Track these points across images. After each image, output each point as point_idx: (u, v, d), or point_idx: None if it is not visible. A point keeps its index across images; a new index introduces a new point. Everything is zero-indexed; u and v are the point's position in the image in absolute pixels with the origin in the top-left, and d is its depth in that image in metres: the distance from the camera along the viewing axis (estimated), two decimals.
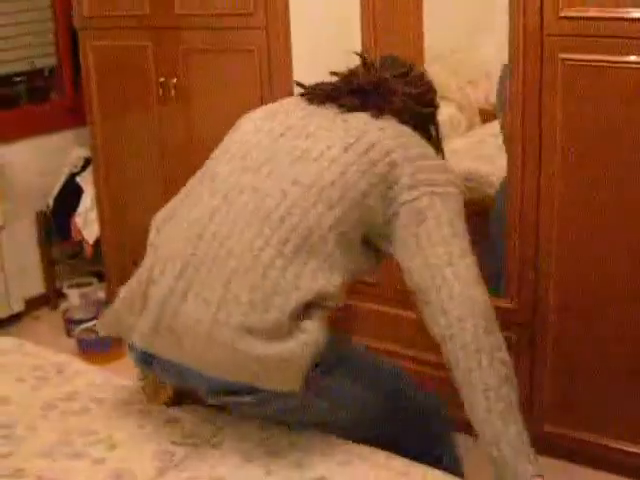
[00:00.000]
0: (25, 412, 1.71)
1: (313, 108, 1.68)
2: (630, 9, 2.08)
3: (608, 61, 2.14)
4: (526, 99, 2.30)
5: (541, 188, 2.34)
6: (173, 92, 3.06)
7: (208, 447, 1.60)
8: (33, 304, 3.79)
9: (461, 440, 2.08)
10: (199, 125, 3.01)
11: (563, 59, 2.21)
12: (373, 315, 2.77)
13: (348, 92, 1.68)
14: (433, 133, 1.80)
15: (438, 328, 1.48)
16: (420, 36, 2.50)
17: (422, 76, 1.80)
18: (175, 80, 3.05)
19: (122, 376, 1.90)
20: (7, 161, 3.57)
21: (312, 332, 1.47)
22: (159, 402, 1.74)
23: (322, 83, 1.75)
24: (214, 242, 1.53)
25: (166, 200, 1.80)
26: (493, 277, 2.67)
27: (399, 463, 1.57)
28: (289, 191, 1.53)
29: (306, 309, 1.48)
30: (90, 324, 3.31)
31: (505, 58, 2.36)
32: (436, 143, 1.78)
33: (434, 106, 1.81)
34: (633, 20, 2.08)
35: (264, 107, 1.78)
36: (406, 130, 1.64)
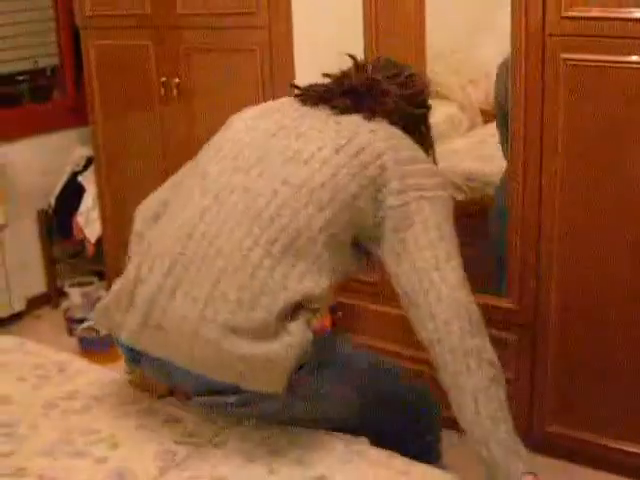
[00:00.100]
0: (26, 411, 1.71)
1: (306, 109, 1.68)
2: (632, 9, 2.08)
3: (610, 61, 2.14)
4: (528, 99, 2.30)
5: (542, 188, 2.34)
6: (175, 92, 3.06)
7: (210, 447, 1.60)
8: (34, 303, 3.80)
9: (450, 437, 2.09)
10: (201, 124, 3.01)
11: (565, 59, 2.21)
12: (373, 315, 2.77)
13: (341, 93, 1.68)
14: (424, 134, 1.80)
15: (425, 332, 1.49)
16: (422, 35, 2.50)
17: (414, 77, 1.79)
18: (177, 79, 3.05)
19: (123, 375, 1.90)
20: (9, 160, 3.57)
21: (297, 334, 1.48)
22: (156, 395, 1.75)
23: (315, 84, 1.75)
24: (203, 241, 1.53)
25: None
26: (493, 276, 2.68)
27: (399, 462, 1.58)
28: (280, 191, 1.54)
29: (293, 311, 1.49)
30: (91, 323, 3.31)
31: (507, 55, 2.36)
32: (427, 145, 1.78)
33: (426, 107, 1.80)
34: (635, 20, 2.08)
35: (257, 106, 1.78)
36: (397, 132, 1.64)
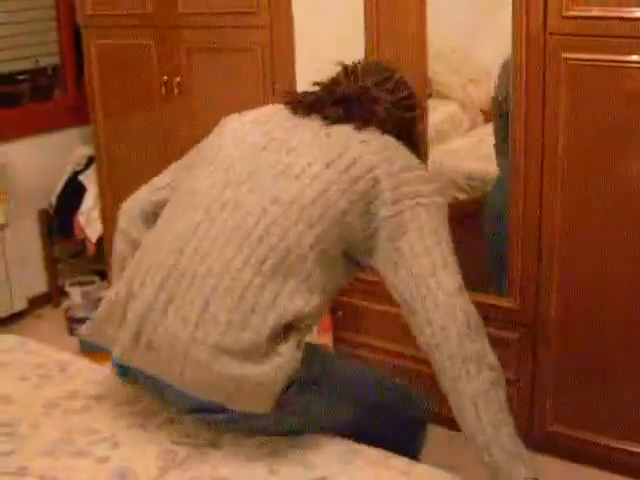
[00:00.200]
0: (28, 410, 1.71)
1: (297, 120, 1.67)
2: (634, 9, 2.08)
3: (611, 60, 2.14)
4: (529, 99, 2.30)
5: (543, 188, 2.34)
6: (176, 91, 3.06)
7: (210, 447, 1.60)
8: (35, 302, 3.80)
9: (446, 435, 2.09)
10: (202, 124, 3.00)
11: (566, 58, 2.21)
12: (373, 314, 2.77)
13: (332, 103, 1.67)
14: (415, 138, 1.79)
15: (424, 338, 1.49)
16: (422, 35, 2.50)
17: (403, 81, 1.78)
18: (178, 79, 3.05)
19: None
20: (10, 159, 3.57)
21: (287, 355, 1.48)
22: None
23: (306, 93, 1.74)
24: (195, 257, 1.53)
25: None
26: (493, 275, 2.68)
27: (400, 462, 1.58)
28: (269, 209, 1.53)
29: (284, 331, 1.49)
30: None
31: (507, 56, 2.36)
32: (418, 149, 1.77)
33: (415, 110, 1.80)
34: (636, 20, 2.08)
35: (249, 114, 1.77)
36: (390, 141, 1.63)
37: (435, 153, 2.77)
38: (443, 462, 1.88)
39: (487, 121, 3.07)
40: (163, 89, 3.09)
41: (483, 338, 1.49)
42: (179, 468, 1.54)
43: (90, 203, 3.63)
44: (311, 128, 1.64)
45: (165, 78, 3.08)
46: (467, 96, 3.11)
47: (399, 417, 1.77)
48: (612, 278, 2.30)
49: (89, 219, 3.63)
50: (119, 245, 1.81)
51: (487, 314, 2.59)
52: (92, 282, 3.71)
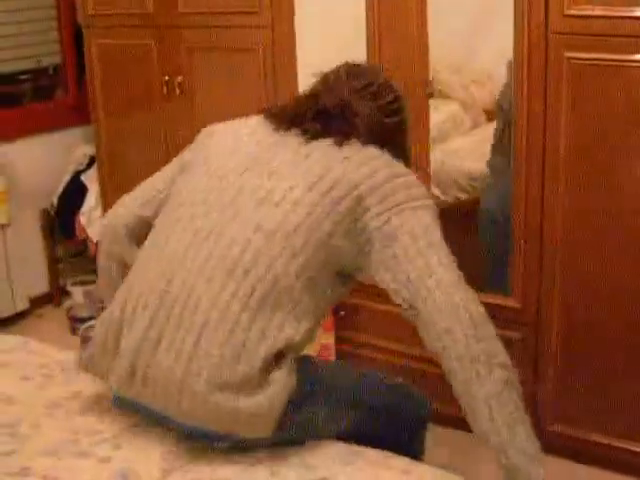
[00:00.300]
0: (30, 411, 1.71)
1: (278, 136, 1.65)
2: (636, 8, 2.08)
3: (614, 60, 2.14)
4: (531, 98, 2.30)
5: (545, 187, 2.34)
6: (177, 90, 3.06)
7: (211, 449, 1.60)
8: (37, 302, 3.80)
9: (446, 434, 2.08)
10: (203, 123, 2.99)
11: (568, 58, 2.21)
12: (375, 313, 2.76)
13: (311, 117, 1.64)
14: (402, 142, 1.77)
15: (430, 341, 1.48)
16: (424, 34, 2.49)
17: (388, 84, 1.76)
18: (179, 78, 3.05)
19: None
20: (12, 159, 3.57)
21: (280, 383, 1.48)
22: None
23: (286, 106, 1.72)
24: (182, 291, 1.52)
25: None
26: (494, 275, 2.68)
27: (400, 462, 1.58)
28: (253, 240, 1.52)
29: (275, 359, 1.49)
30: (94, 322, 3.31)
31: (509, 56, 2.35)
32: (405, 152, 1.75)
33: (402, 114, 1.76)
34: (639, 19, 2.08)
35: (231, 128, 1.75)
36: (371, 153, 1.61)
37: (437, 153, 2.77)
38: (444, 461, 1.90)
39: (489, 121, 3.07)
40: (164, 89, 3.09)
41: (491, 335, 1.47)
42: (181, 470, 1.53)
43: (92, 203, 3.63)
44: (291, 146, 1.62)
45: (166, 78, 3.08)
46: (469, 96, 3.11)
47: (399, 418, 1.77)
48: (614, 278, 2.30)
49: (90, 219, 3.63)
50: (104, 263, 1.80)
51: (489, 314, 2.60)
52: (94, 281, 3.70)
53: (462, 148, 3.05)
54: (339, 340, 2.87)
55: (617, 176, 2.22)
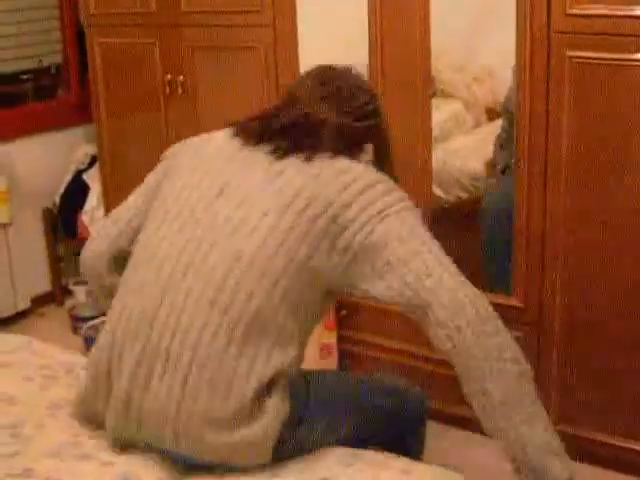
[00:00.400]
0: (32, 411, 1.70)
1: (247, 154, 1.61)
2: (638, 7, 2.07)
3: (616, 59, 2.14)
4: (533, 97, 2.30)
5: (547, 188, 2.34)
6: (180, 89, 3.06)
7: None
8: (39, 301, 3.80)
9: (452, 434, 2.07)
10: (205, 122, 3.01)
11: (571, 57, 2.20)
12: (377, 312, 2.76)
13: (278, 131, 1.61)
14: (380, 145, 1.72)
15: (439, 342, 1.44)
16: (426, 33, 2.49)
17: (360, 86, 1.72)
18: (182, 77, 3.05)
19: None
20: (14, 159, 3.57)
21: (273, 410, 1.47)
22: None
23: (252, 121, 1.67)
24: (166, 332, 1.49)
25: None
26: (495, 274, 2.69)
27: (400, 462, 1.58)
28: (232, 270, 1.48)
29: (267, 388, 1.47)
30: (96, 321, 3.31)
31: (511, 55, 2.35)
32: (385, 155, 1.73)
33: (378, 114, 1.72)
34: None
35: (195, 151, 1.70)
36: (341, 166, 1.56)
37: (439, 152, 2.77)
38: (445, 459, 1.89)
39: (491, 120, 3.07)
40: (166, 88, 3.10)
41: (500, 329, 1.44)
42: (183, 475, 1.54)
43: (94, 202, 3.63)
44: (262, 165, 1.58)
45: (168, 77, 3.08)
46: (471, 95, 3.11)
47: (398, 418, 1.75)
48: (616, 277, 2.30)
49: (93, 218, 3.63)
50: (92, 287, 1.81)
51: None
52: None
53: (464, 147, 3.05)
54: (341, 339, 2.87)
55: (619, 175, 2.22)
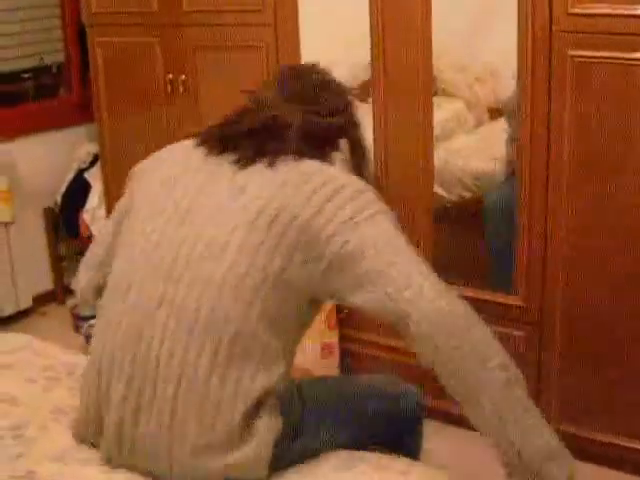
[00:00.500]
0: (35, 413, 1.70)
1: (211, 166, 1.56)
2: (639, 6, 2.07)
3: (618, 58, 2.14)
4: (534, 97, 2.30)
5: (550, 189, 2.34)
6: (181, 89, 3.06)
7: None
8: (40, 300, 3.80)
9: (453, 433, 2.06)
10: (207, 122, 3.00)
11: (572, 56, 2.20)
12: None
13: (242, 136, 1.56)
14: (353, 142, 1.68)
15: (422, 355, 1.41)
16: (428, 33, 2.49)
17: (327, 82, 1.68)
18: (183, 77, 3.05)
19: None
20: (15, 158, 3.57)
21: (265, 429, 1.45)
22: None
23: (214, 128, 1.63)
24: (148, 365, 1.47)
25: None
26: (495, 273, 2.69)
27: (399, 463, 1.58)
28: (205, 298, 1.45)
29: (255, 409, 1.45)
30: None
31: (513, 55, 2.35)
32: (361, 147, 1.69)
33: (348, 109, 1.68)
34: None
35: (158, 171, 1.64)
36: (306, 170, 1.51)
37: (440, 151, 2.77)
38: (441, 457, 1.89)
39: (492, 119, 3.07)
40: (168, 87, 3.09)
41: (485, 335, 1.40)
42: None
43: (95, 201, 3.63)
44: (226, 176, 1.53)
45: (170, 76, 3.08)
46: (473, 95, 3.11)
47: (396, 419, 1.74)
48: (618, 277, 2.30)
49: (94, 217, 3.63)
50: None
51: (493, 312, 2.59)
52: None
53: (466, 147, 3.04)
54: (342, 338, 2.87)
55: (622, 174, 2.22)
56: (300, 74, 1.70)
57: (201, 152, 1.60)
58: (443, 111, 2.94)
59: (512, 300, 2.50)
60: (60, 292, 3.86)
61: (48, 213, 3.80)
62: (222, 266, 1.45)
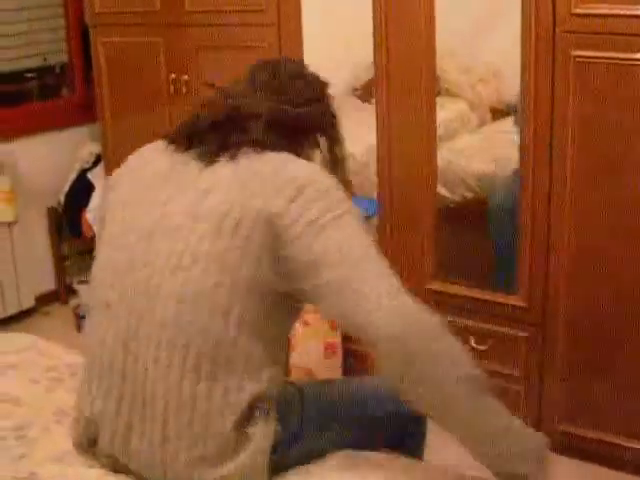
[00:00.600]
0: (38, 414, 1.70)
1: (178, 166, 1.53)
2: None
3: (621, 58, 2.13)
4: (537, 97, 2.29)
5: (553, 190, 2.34)
6: (184, 89, 3.06)
7: None
8: (43, 300, 3.81)
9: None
10: None
11: (575, 56, 2.20)
12: None
13: (207, 130, 1.52)
14: (330, 127, 1.65)
15: (388, 374, 1.37)
16: (431, 33, 2.49)
17: (298, 72, 1.64)
18: (186, 77, 3.05)
19: None
20: (18, 157, 3.57)
21: (259, 436, 1.44)
22: None
23: (182, 124, 1.59)
24: (136, 382, 1.46)
25: None
26: (497, 273, 2.69)
27: (400, 462, 1.58)
28: (181, 313, 1.42)
29: (247, 416, 1.44)
30: None
31: (516, 55, 2.35)
32: (337, 136, 1.65)
33: (320, 99, 1.63)
34: None
35: (134, 173, 1.64)
36: (270, 165, 1.47)
37: (444, 151, 2.77)
38: (444, 456, 1.89)
39: (495, 119, 3.07)
40: (171, 87, 3.10)
41: (449, 346, 1.35)
42: None
43: (98, 201, 3.63)
44: (192, 179, 1.49)
45: (173, 76, 3.08)
46: (476, 95, 3.11)
47: (397, 420, 1.73)
48: (620, 278, 2.29)
49: (97, 217, 3.64)
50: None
51: (496, 312, 2.59)
52: None
53: (469, 147, 3.04)
54: (345, 338, 2.87)
55: (624, 175, 2.22)
56: (273, 65, 1.66)
57: (170, 150, 1.57)
58: (446, 111, 2.94)
59: (515, 301, 2.50)
60: (63, 292, 3.87)
61: (51, 213, 3.80)
62: (193, 279, 1.42)
